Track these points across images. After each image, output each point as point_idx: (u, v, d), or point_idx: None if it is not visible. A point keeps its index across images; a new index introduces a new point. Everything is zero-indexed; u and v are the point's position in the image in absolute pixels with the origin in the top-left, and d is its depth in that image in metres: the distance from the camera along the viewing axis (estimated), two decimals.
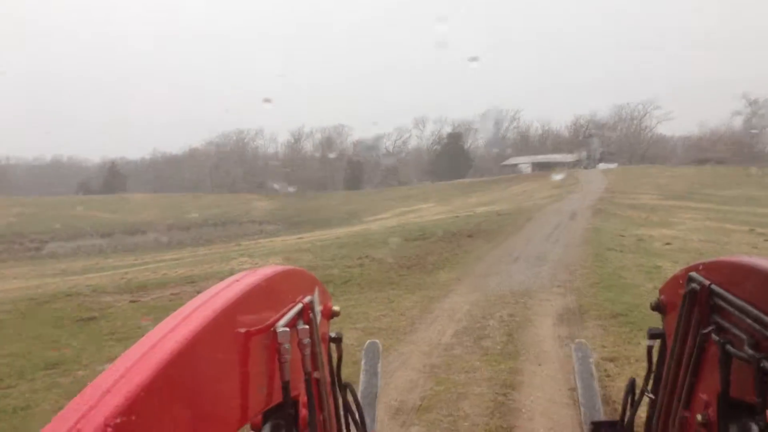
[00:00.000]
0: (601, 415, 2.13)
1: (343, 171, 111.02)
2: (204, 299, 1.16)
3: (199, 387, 0.99)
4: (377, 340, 2.51)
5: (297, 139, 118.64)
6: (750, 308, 1.19)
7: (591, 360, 2.39)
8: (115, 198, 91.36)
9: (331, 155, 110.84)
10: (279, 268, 1.55)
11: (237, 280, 1.32)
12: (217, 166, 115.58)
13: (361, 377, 2.35)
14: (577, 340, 2.54)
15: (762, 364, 1.10)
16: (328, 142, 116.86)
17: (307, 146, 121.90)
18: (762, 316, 1.14)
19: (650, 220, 28.67)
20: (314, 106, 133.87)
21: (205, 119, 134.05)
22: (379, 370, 2.39)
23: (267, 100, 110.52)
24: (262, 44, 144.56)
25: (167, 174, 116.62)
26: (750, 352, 1.14)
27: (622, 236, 21.01)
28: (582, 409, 2.19)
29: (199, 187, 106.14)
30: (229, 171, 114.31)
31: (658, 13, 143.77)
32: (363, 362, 2.41)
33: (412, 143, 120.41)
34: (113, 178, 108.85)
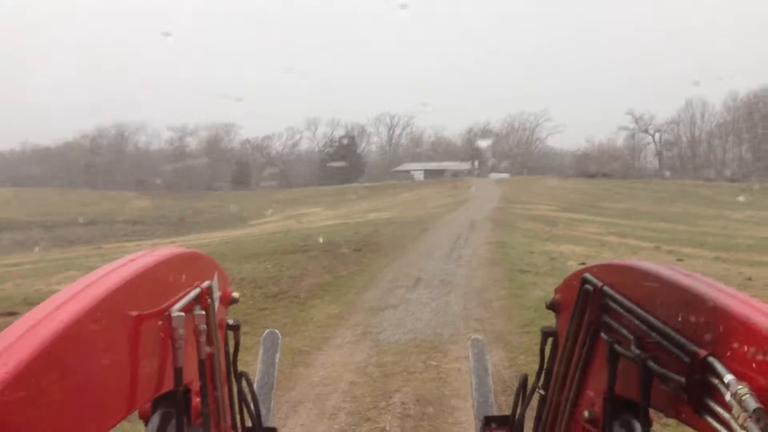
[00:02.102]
0: (494, 411, 2.15)
1: (230, 171, 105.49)
2: (94, 278, 1.10)
3: (84, 370, 0.96)
4: (276, 330, 2.38)
5: (181, 135, 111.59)
6: (637, 309, 1.23)
7: (486, 356, 2.43)
8: None
9: (217, 153, 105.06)
10: (178, 250, 1.49)
11: (132, 260, 1.26)
12: (92, 161, 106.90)
13: (258, 367, 2.24)
14: (473, 337, 2.50)
15: (646, 364, 1.14)
16: (214, 140, 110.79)
17: (193, 144, 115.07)
18: (648, 316, 1.19)
19: (554, 234, 26.45)
20: (202, 104, 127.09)
21: (85, 108, 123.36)
22: (276, 360, 2.28)
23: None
24: (149, 32, 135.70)
25: (38, 168, 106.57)
26: (636, 351, 1.18)
27: (532, 253, 18.42)
28: (475, 403, 2.23)
29: (73, 184, 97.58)
30: (106, 167, 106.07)
31: (554, 26, 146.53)
32: (261, 352, 2.29)
33: (304, 145, 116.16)
34: None
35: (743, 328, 0.94)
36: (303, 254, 16.67)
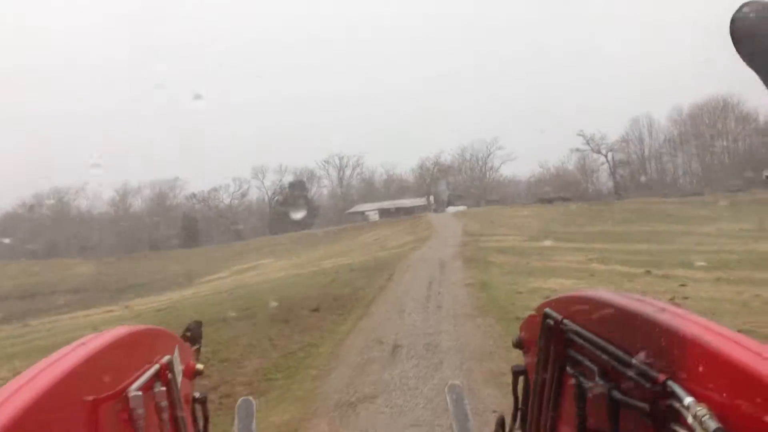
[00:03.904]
0: None
1: (177, 228, 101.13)
2: (44, 365, 1.06)
3: None
4: (250, 397, 2.38)
5: (123, 195, 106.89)
6: (598, 339, 1.25)
7: (465, 401, 2.43)
8: None
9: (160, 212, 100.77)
10: (132, 327, 1.46)
11: (83, 344, 1.23)
12: (31, 229, 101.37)
13: None
14: (450, 383, 2.54)
15: (611, 394, 1.15)
16: (159, 198, 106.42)
17: (137, 203, 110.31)
18: (608, 346, 1.20)
19: (534, 267, 23.78)
20: (143, 160, 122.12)
21: (20, 176, 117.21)
22: (253, 429, 2.26)
23: (95, 166, 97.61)
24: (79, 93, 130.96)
25: None
26: (600, 382, 1.19)
27: (520, 293, 15.66)
28: None
29: (13, 254, 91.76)
30: (46, 235, 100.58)
31: (498, 54, 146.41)
32: (235, 422, 2.26)
33: (253, 194, 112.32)
34: None
35: (697, 349, 0.96)
36: (248, 321, 13.48)
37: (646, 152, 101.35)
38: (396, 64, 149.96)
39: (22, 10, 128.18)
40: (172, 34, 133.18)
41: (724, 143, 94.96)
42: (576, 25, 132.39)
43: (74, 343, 1.21)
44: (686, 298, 15.25)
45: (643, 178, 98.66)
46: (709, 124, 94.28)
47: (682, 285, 17.79)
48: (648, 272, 22.02)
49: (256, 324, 12.75)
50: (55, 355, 1.12)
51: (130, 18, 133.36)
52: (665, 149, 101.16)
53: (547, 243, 36.45)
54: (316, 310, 13.94)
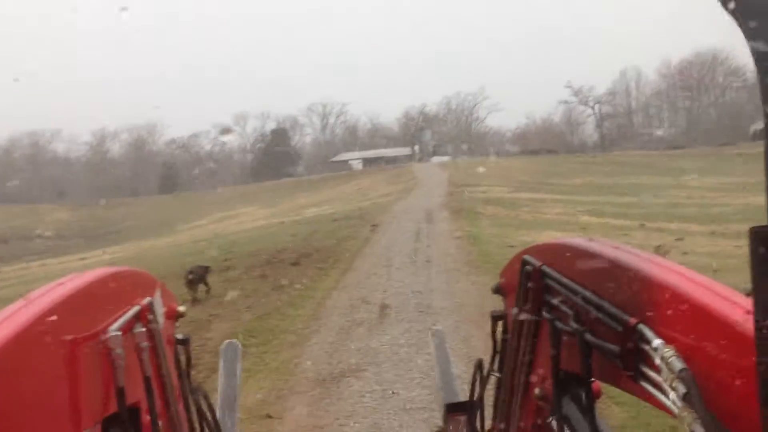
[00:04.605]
0: (458, 397, 2.24)
1: (157, 174, 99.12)
2: (23, 304, 1.09)
3: (18, 399, 0.95)
4: (236, 340, 2.34)
5: (100, 140, 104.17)
6: (574, 285, 1.28)
7: (447, 346, 2.54)
8: None
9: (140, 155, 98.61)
10: (112, 269, 1.50)
11: (61, 283, 1.25)
12: (7, 173, 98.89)
13: (219, 380, 2.23)
14: (434, 327, 2.64)
15: (584, 337, 1.19)
16: (137, 143, 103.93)
17: (115, 148, 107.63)
18: (584, 291, 1.23)
19: (524, 219, 22.93)
20: (120, 103, 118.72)
21: None
22: (238, 371, 2.26)
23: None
24: (56, 30, 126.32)
25: None
26: (574, 326, 1.23)
27: (512, 247, 14.61)
28: (441, 393, 2.33)
29: None
30: (21, 179, 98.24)
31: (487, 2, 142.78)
32: (221, 364, 2.28)
33: (234, 141, 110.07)
34: None
35: (668, 294, 1.00)
36: (223, 275, 12.45)
37: (633, 105, 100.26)
38: (384, 9, 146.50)
39: None
40: None
41: (712, 98, 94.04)
42: None
43: (54, 282, 1.21)
44: (685, 253, 14.49)
45: (628, 131, 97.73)
46: (697, 78, 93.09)
47: (679, 239, 17.09)
48: (642, 225, 21.35)
49: (230, 279, 11.72)
50: (34, 294, 1.12)
51: None
52: (652, 102, 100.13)
53: (535, 195, 35.63)
54: (296, 263, 12.92)
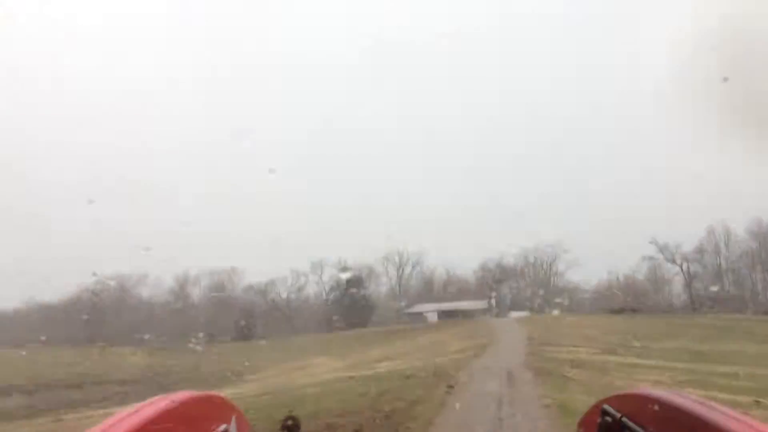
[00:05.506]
0: None
1: (232, 319, 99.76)
2: (111, 423, 1.12)
3: None
4: None
5: (182, 284, 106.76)
6: None
7: None
8: None
9: (217, 300, 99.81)
10: (194, 393, 1.52)
11: (149, 404, 1.31)
12: (92, 316, 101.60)
13: None
14: None
15: None
16: (216, 288, 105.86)
17: (195, 292, 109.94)
18: None
19: (618, 385, 20.61)
20: (201, 248, 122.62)
21: (84, 263, 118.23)
22: None
23: (147, 249, 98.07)
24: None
25: (41, 326, 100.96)
26: None
27: None
28: None
29: (73, 341, 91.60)
30: (106, 321, 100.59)
31: (560, 145, 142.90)
32: None
33: (310, 289, 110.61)
34: None
35: None
36: None
37: (723, 264, 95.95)
38: (459, 162, 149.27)
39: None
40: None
41: None
42: (652, 131, 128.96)
43: (141, 404, 1.26)
44: None
45: (717, 291, 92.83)
46: None
47: None
48: (757, 402, 18.76)
49: None
50: (120, 415, 1.15)
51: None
52: (743, 262, 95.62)
53: (624, 359, 32.96)
54: (359, 430, 11.36)
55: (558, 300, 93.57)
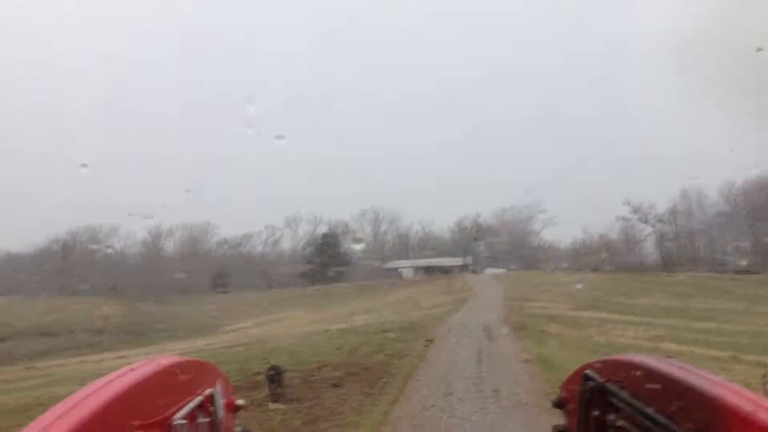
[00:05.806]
0: None
1: (207, 273, 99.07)
2: (95, 388, 1.10)
3: None
4: None
5: (155, 237, 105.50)
6: (637, 403, 1.26)
7: None
8: None
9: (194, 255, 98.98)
10: (178, 358, 1.48)
11: (132, 369, 1.26)
12: (63, 267, 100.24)
13: None
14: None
15: None
16: (191, 242, 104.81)
17: (168, 245, 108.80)
18: (654, 414, 1.20)
19: (597, 341, 20.52)
20: (177, 201, 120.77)
21: (56, 211, 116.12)
22: None
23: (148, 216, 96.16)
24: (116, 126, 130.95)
25: (10, 276, 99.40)
26: None
27: None
28: None
29: (45, 290, 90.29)
30: (77, 272, 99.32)
31: (538, 107, 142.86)
32: None
33: (285, 244, 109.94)
34: None
35: (737, 419, 0.97)
36: (249, 393, 10.51)
37: (695, 226, 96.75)
38: (439, 120, 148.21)
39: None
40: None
41: None
42: (631, 91, 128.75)
43: (124, 368, 1.22)
44: None
45: (689, 252, 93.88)
46: (763, 202, 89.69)
47: None
48: (734, 357, 18.76)
49: (255, 402, 9.76)
50: (104, 379, 1.13)
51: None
52: (715, 223, 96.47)
53: (600, 314, 32.97)
54: (338, 385, 10.90)
55: (534, 257, 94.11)
